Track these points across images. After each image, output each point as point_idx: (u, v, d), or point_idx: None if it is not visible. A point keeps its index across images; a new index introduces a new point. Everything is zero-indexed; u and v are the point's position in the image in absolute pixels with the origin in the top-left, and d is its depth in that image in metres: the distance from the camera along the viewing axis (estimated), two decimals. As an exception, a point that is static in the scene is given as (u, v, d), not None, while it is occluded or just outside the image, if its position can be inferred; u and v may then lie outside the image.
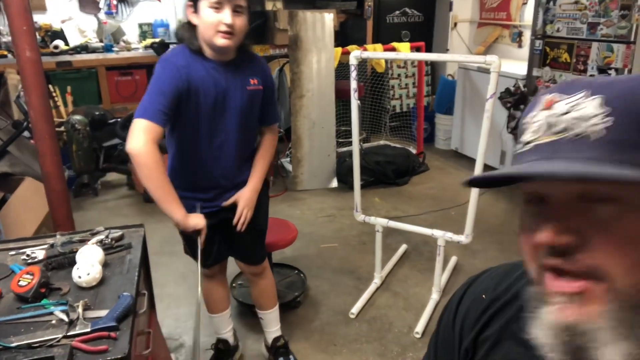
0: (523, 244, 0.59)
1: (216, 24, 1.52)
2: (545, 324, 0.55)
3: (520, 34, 4.51)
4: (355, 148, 2.47)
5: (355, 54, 2.27)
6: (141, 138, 1.51)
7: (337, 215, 3.53)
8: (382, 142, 4.80)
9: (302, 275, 2.63)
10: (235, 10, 1.53)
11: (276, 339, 2.09)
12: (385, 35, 4.87)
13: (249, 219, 1.77)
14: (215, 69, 1.62)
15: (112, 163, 4.05)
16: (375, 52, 3.26)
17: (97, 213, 3.60)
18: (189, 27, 1.60)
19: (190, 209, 1.66)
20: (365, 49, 4.00)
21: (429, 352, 0.84)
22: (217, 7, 1.51)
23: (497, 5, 4.68)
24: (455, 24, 5.05)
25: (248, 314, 2.40)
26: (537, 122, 0.55)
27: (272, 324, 2.09)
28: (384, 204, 3.72)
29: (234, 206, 1.77)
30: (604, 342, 0.51)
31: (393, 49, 4.15)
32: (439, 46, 5.22)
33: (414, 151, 4.51)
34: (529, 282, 0.61)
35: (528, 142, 0.56)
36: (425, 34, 5.17)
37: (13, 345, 1.08)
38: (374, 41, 4.80)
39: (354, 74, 2.30)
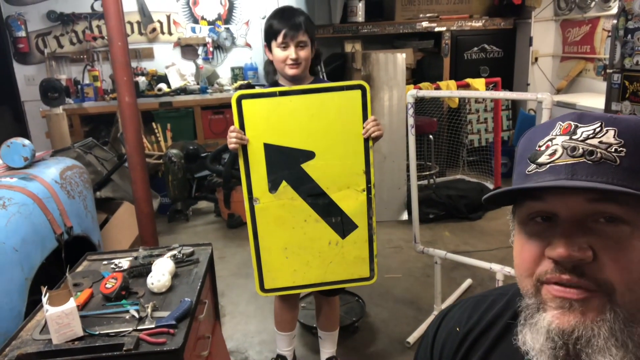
0: (522, 258, 0.63)
1: (284, 59, 1.86)
2: (540, 328, 0.58)
3: (605, 67, 4.34)
4: (413, 180, 2.57)
5: (412, 92, 2.42)
6: None
7: (404, 247, 3.60)
8: (457, 177, 4.80)
9: (361, 301, 2.74)
10: (299, 45, 1.85)
11: (329, 359, 2.22)
12: (463, 71, 4.92)
13: (372, 134, 1.95)
14: None
15: (203, 192, 4.49)
16: (429, 91, 3.36)
17: (186, 237, 3.99)
18: (270, 63, 1.99)
19: None
20: (437, 86, 4.12)
21: None
22: (284, 46, 1.85)
23: (581, 39, 4.57)
24: (537, 59, 4.98)
25: (307, 335, 2.56)
26: (554, 146, 0.60)
27: (329, 345, 2.23)
28: (454, 238, 3.73)
29: None
30: (597, 350, 0.55)
31: (467, 85, 4.21)
32: (519, 81, 5.17)
33: (491, 186, 4.45)
34: (522, 296, 0.64)
35: (543, 164, 0.60)
36: (505, 69, 5.15)
37: (96, 333, 1.35)
38: (452, 77, 4.88)
39: (410, 111, 2.43)
